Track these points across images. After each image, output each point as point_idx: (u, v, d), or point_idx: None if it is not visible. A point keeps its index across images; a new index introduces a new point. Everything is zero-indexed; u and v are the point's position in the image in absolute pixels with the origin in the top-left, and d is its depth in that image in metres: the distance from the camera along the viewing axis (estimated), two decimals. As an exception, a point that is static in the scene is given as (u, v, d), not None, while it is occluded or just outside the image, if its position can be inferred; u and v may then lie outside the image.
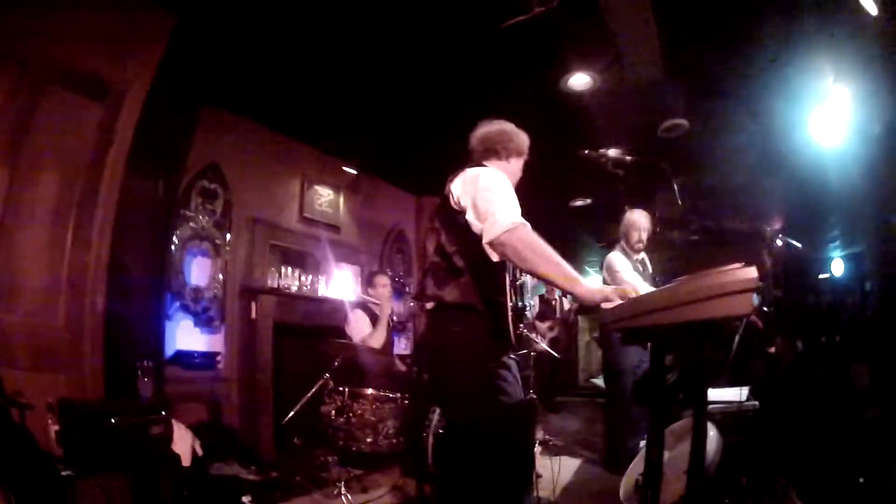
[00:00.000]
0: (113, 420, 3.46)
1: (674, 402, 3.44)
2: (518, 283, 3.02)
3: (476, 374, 2.85)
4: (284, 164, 7.26)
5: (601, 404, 8.98)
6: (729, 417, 3.90)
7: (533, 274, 2.73)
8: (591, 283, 2.76)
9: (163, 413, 3.84)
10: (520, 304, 3.01)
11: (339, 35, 5.03)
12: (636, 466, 3.69)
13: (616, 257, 5.26)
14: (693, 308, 1.96)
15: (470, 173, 2.94)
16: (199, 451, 4.56)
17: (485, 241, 2.69)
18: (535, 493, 4.33)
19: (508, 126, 3.22)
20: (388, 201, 8.86)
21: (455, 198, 2.90)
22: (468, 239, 2.83)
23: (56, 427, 3.42)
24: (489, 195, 2.76)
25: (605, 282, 5.28)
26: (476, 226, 2.77)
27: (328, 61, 5.42)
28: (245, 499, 4.51)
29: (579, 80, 5.75)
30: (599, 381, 9.59)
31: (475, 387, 2.84)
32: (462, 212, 2.85)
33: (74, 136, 4.37)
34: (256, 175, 6.84)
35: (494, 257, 2.79)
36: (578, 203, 9.46)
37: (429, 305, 3.02)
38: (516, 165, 3.22)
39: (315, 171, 7.64)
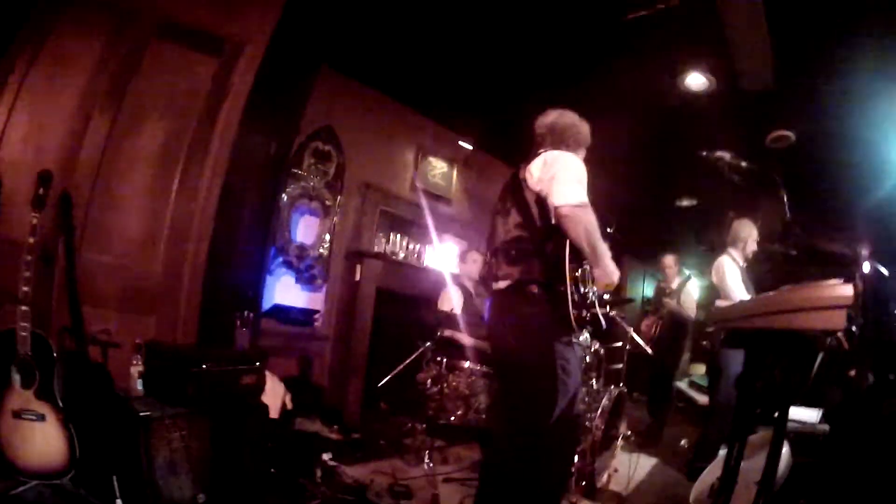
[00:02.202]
0: (204, 366, 3.36)
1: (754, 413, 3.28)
2: (579, 271, 3.05)
3: (543, 352, 2.95)
4: (400, 132, 7.16)
5: (681, 408, 8.55)
6: (800, 437, 3.81)
7: (580, 248, 2.88)
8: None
9: (257, 364, 3.71)
10: (582, 290, 3.06)
11: (464, 9, 4.91)
12: (709, 474, 3.68)
13: (727, 263, 5.05)
14: (790, 317, 2.02)
15: (551, 155, 3.05)
16: (290, 405, 4.55)
17: (555, 202, 2.84)
18: (603, 486, 4.33)
19: (576, 118, 3.35)
20: (501, 179, 8.51)
21: (535, 179, 3.00)
22: (541, 223, 2.98)
23: (140, 368, 3.40)
24: (570, 174, 2.90)
25: (712, 285, 5.20)
26: (550, 194, 2.89)
27: (451, 33, 5.30)
28: (326, 456, 4.42)
29: (695, 81, 5.64)
30: (683, 385, 9.12)
31: (541, 364, 2.95)
32: (538, 193, 2.98)
33: (185, 88, 4.36)
34: (371, 141, 6.77)
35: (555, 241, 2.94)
36: (685, 203, 9.21)
37: (500, 285, 3.10)
38: (581, 157, 3.25)
39: (430, 142, 7.52)
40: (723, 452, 3.86)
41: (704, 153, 3.25)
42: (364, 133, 6.64)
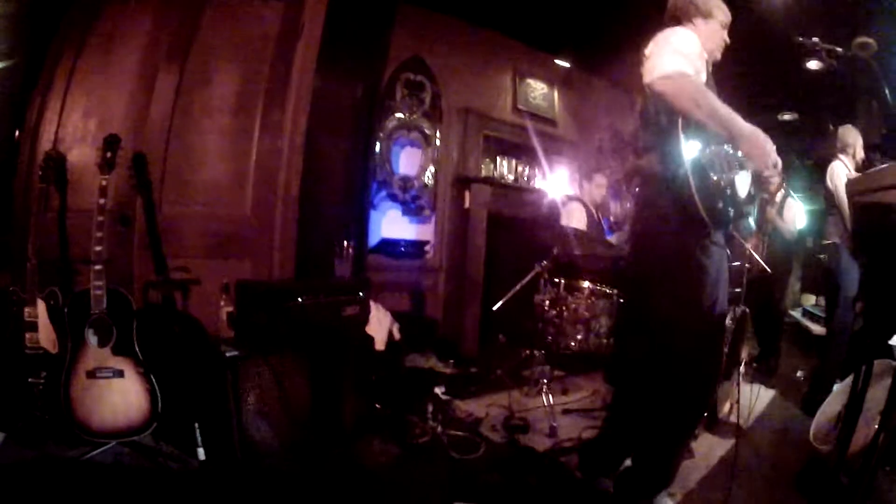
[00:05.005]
0: (299, 299, 3.04)
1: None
2: (707, 150, 2.45)
3: (673, 250, 2.56)
4: (492, 57, 6.61)
5: (795, 339, 7.66)
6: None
7: (699, 123, 2.35)
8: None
9: (359, 294, 3.37)
10: (714, 177, 2.42)
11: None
12: (828, 406, 3.35)
13: (839, 168, 4.59)
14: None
15: (662, 34, 2.55)
16: (397, 335, 4.22)
17: (645, 80, 2.40)
18: (724, 417, 3.95)
19: None
20: (605, 99, 7.87)
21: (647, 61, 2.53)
22: (657, 109, 2.53)
23: (229, 308, 3.09)
24: (667, 47, 2.42)
25: (827, 192, 4.68)
26: (643, 75, 2.45)
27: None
28: (438, 389, 4.10)
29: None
30: (796, 314, 8.28)
31: (673, 263, 2.56)
32: None
33: (253, 34, 4.12)
34: (463, 68, 6.29)
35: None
36: (787, 117, 8.39)
37: (635, 183, 2.89)
38: (705, 27, 2.73)
39: (526, 64, 6.92)
40: (838, 384, 3.52)
41: (801, 39, 3.01)
42: (455, 60, 6.17)
